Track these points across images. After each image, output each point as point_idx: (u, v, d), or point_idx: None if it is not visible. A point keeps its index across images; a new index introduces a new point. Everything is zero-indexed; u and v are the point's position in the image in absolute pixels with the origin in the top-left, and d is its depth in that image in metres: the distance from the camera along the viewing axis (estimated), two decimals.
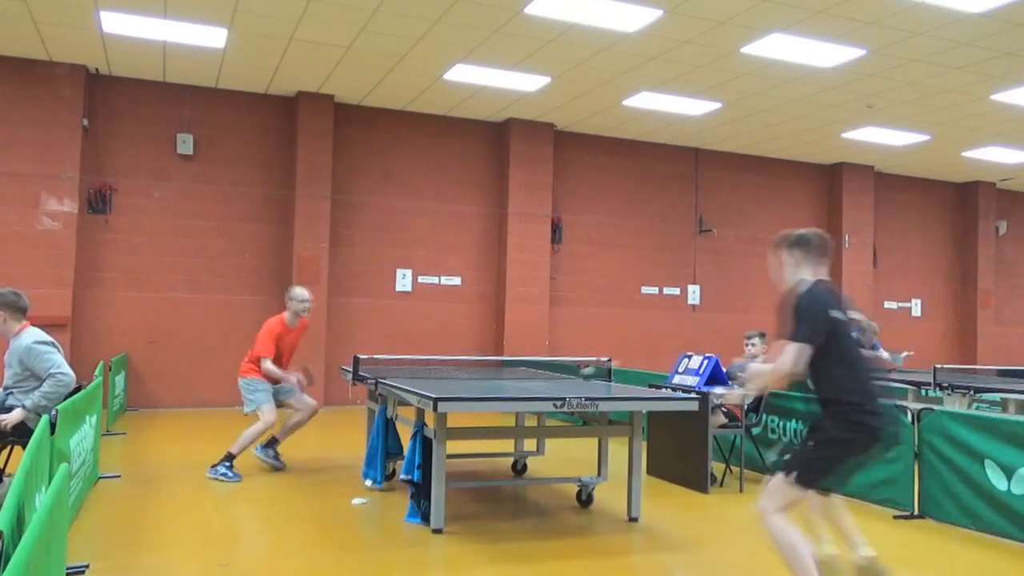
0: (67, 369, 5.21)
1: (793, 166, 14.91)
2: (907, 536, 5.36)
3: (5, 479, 5.51)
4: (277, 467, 6.99)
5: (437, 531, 5.03)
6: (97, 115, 10.76)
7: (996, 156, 13.81)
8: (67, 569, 3.75)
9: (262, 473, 6.85)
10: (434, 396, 4.73)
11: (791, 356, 3.61)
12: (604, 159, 13.48)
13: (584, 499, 5.96)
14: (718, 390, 6.65)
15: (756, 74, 9.98)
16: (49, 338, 5.36)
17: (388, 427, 6.25)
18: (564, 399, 4.80)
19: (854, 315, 3.85)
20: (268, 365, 6.83)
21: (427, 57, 9.71)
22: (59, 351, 5.32)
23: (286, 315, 7.12)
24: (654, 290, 13.87)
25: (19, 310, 5.40)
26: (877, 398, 3.72)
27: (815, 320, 3.63)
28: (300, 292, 7.19)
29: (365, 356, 6.58)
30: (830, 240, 3.97)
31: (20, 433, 5.13)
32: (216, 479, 6.44)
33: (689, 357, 7.08)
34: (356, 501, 5.83)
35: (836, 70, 9.70)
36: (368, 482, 6.29)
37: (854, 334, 3.76)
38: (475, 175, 12.71)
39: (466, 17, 8.42)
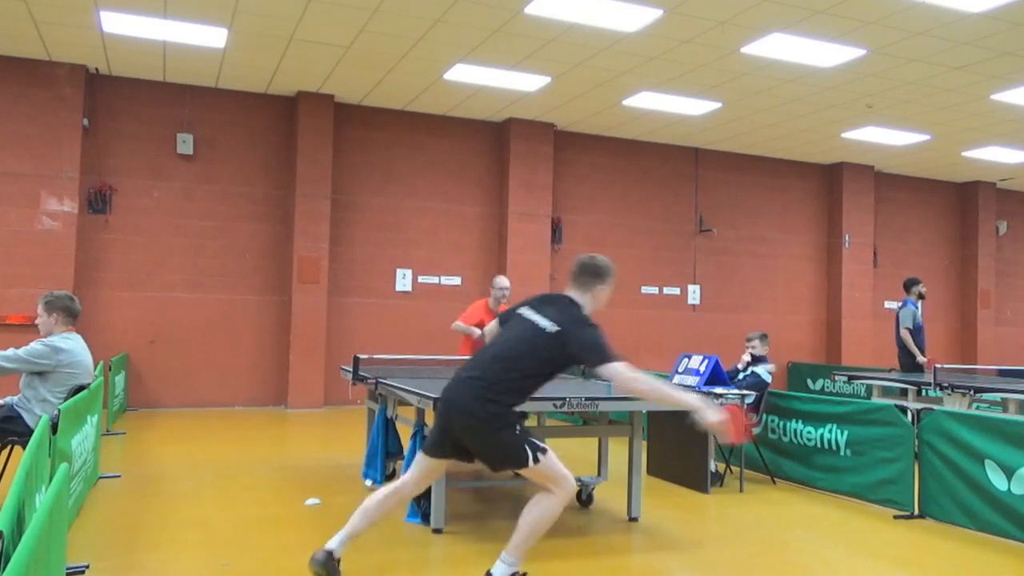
0: (30, 354, 5.13)
1: (793, 166, 14.91)
2: (907, 536, 5.36)
3: None
4: None
5: (437, 531, 5.03)
6: (97, 115, 10.76)
7: (996, 156, 13.81)
8: (67, 569, 3.75)
9: (262, 473, 6.85)
10: (434, 396, 4.72)
11: None
12: (604, 159, 13.48)
13: (584, 499, 5.96)
14: (718, 390, 6.65)
15: (756, 74, 9.98)
16: (66, 346, 5.29)
17: (388, 427, 6.26)
18: (564, 399, 4.79)
19: (529, 313, 4.13)
20: (457, 323, 7.88)
21: (427, 57, 9.71)
22: (59, 354, 5.26)
23: (490, 300, 8.00)
24: (654, 290, 13.87)
25: (71, 315, 5.45)
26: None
27: None
28: (499, 280, 8.04)
29: (365, 356, 6.57)
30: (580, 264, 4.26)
31: (19, 432, 5.15)
32: None
33: (689, 357, 7.07)
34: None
35: (836, 70, 9.70)
36: (368, 482, 6.29)
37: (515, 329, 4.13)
38: (475, 175, 12.70)
39: (466, 17, 8.42)
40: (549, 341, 3.94)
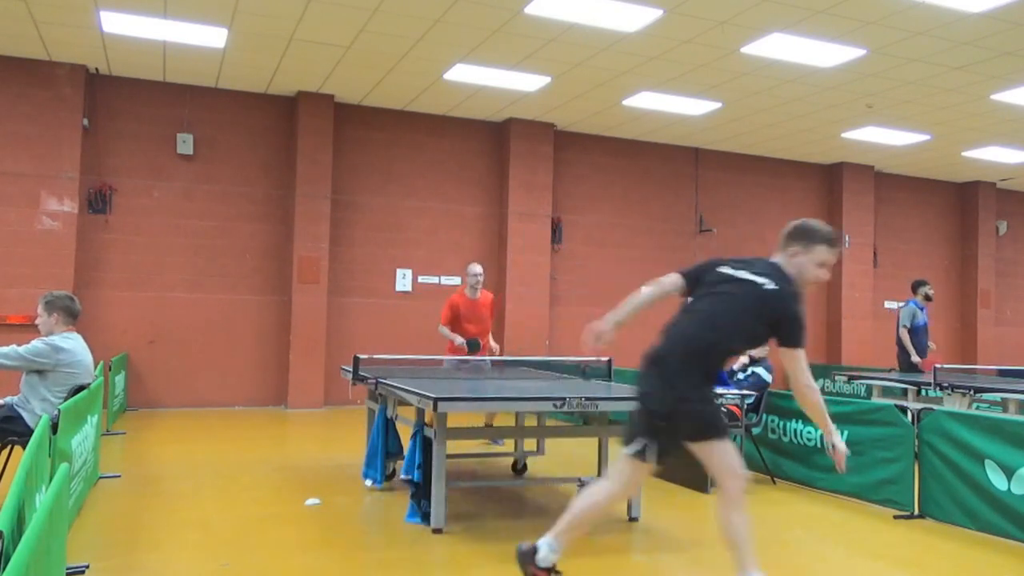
0: (30, 352, 5.16)
1: (793, 166, 14.91)
2: (907, 536, 5.36)
3: None
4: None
5: (437, 531, 5.03)
6: (97, 115, 10.76)
7: (996, 156, 13.81)
8: (67, 569, 3.75)
9: (262, 473, 6.86)
10: (434, 396, 4.73)
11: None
12: (604, 159, 13.48)
13: None
14: (717, 390, 6.64)
15: (756, 74, 9.98)
16: (66, 346, 5.32)
17: (388, 427, 6.25)
18: (564, 399, 4.80)
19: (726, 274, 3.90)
20: (443, 328, 8.27)
21: (427, 57, 9.71)
22: (59, 353, 5.27)
23: (466, 289, 8.45)
24: None
25: (71, 315, 5.46)
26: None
27: None
28: (472, 267, 8.46)
29: (365, 356, 6.57)
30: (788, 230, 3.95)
31: (19, 432, 5.15)
32: None
33: None
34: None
35: (836, 70, 9.70)
36: (368, 482, 6.29)
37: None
38: (475, 175, 12.70)
39: (466, 17, 8.42)
40: (763, 301, 3.58)
